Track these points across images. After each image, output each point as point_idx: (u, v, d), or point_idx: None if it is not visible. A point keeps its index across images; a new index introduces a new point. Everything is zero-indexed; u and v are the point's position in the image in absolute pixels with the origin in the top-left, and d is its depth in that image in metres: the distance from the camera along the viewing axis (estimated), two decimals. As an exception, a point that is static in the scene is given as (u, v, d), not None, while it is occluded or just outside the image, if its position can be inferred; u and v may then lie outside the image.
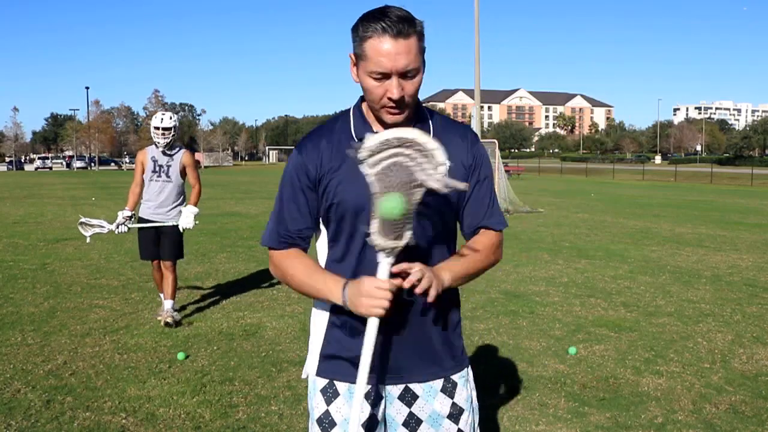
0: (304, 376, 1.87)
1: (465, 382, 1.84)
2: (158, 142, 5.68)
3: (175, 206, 5.85)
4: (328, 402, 1.76)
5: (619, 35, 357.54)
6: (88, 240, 6.02)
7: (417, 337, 1.75)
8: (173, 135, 5.70)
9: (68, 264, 8.74)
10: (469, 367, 1.88)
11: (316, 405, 1.78)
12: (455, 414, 1.81)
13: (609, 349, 5.03)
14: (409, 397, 1.78)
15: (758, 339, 5.35)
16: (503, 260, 9.05)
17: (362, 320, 1.62)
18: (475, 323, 5.72)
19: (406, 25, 1.56)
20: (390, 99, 1.61)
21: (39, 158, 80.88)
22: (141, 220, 5.96)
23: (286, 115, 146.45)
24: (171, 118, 5.73)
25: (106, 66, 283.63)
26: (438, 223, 1.73)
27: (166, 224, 5.80)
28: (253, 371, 4.49)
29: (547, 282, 7.61)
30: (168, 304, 5.72)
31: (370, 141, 1.51)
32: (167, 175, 5.77)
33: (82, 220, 6.10)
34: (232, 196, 23.36)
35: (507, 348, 5.05)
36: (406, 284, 1.54)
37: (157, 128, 5.67)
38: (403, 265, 1.55)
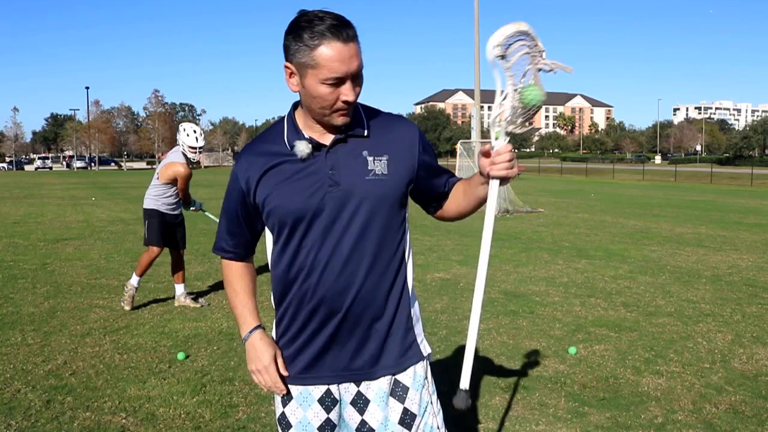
0: None
1: (418, 384, 1.80)
2: (192, 157, 6.31)
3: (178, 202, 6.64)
4: (284, 404, 1.82)
5: (619, 35, 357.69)
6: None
7: (358, 334, 1.75)
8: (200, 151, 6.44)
9: (68, 264, 8.74)
10: (426, 363, 1.83)
11: (276, 407, 1.87)
12: (407, 420, 1.78)
13: (609, 349, 5.03)
14: (361, 404, 1.78)
15: (758, 339, 5.35)
16: (503, 260, 9.09)
17: (302, 320, 1.76)
18: (475, 323, 5.71)
19: (351, 29, 1.58)
20: (345, 102, 1.61)
21: (39, 158, 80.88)
22: (166, 215, 6.37)
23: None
24: (203, 137, 6.42)
25: (106, 66, 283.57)
26: (380, 219, 1.72)
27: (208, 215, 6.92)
28: (253, 371, 4.49)
29: (547, 282, 7.61)
30: (181, 288, 6.43)
31: (498, 37, 1.57)
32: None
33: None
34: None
35: (507, 348, 5.05)
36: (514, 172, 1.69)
37: (193, 148, 6.25)
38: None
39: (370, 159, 1.70)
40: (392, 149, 1.74)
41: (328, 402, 1.77)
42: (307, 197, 1.67)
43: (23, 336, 5.29)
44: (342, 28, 1.55)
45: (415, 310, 1.84)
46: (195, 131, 6.28)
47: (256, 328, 1.80)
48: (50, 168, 72.56)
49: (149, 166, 74.94)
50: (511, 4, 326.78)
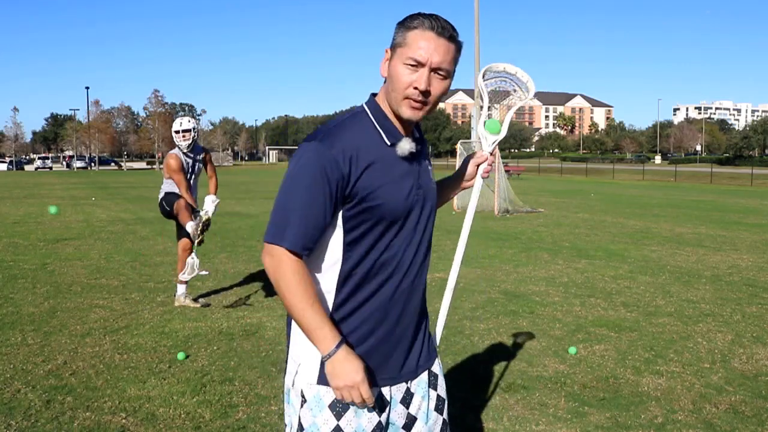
0: (290, 384, 1.77)
1: (440, 371, 1.93)
2: (180, 144, 6.15)
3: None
4: (339, 416, 1.69)
5: (620, 35, 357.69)
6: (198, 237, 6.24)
7: (411, 334, 1.79)
8: (193, 137, 6.19)
9: (68, 264, 8.74)
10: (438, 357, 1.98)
11: (324, 422, 1.69)
12: (440, 406, 1.88)
13: (609, 349, 5.03)
14: (408, 399, 1.79)
15: (758, 339, 5.35)
16: (503, 260, 9.09)
17: (375, 319, 1.72)
18: (475, 323, 5.72)
19: (450, 30, 1.66)
20: (416, 89, 1.64)
21: (39, 158, 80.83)
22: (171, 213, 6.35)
23: (286, 115, 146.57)
24: (189, 121, 6.22)
25: (106, 66, 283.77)
26: (432, 225, 1.86)
27: (209, 214, 6.32)
28: (253, 371, 4.49)
29: (547, 282, 7.61)
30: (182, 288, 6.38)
31: (498, 67, 2.02)
32: (195, 174, 6.40)
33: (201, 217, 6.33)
34: (232, 196, 23.32)
35: (507, 348, 5.05)
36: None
37: (177, 132, 6.15)
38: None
39: (429, 166, 1.86)
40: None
41: (380, 404, 1.73)
42: (404, 197, 1.70)
43: (23, 336, 5.29)
44: (442, 26, 1.65)
45: None
46: (181, 119, 6.23)
47: (342, 342, 1.64)
48: (50, 168, 72.52)
49: (149, 166, 74.95)
50: (511, 4, 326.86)
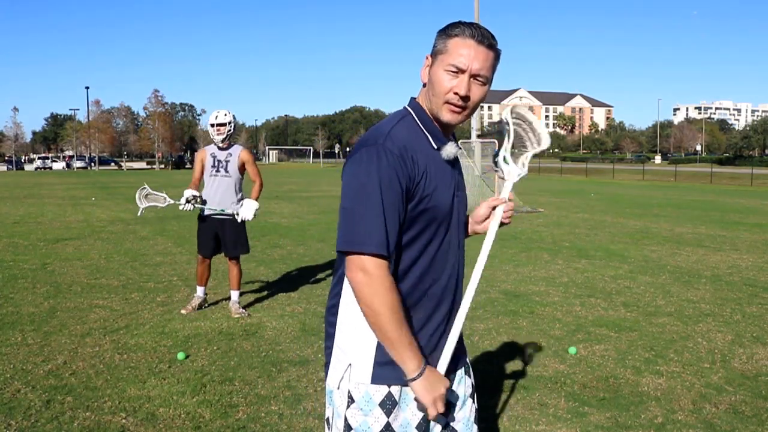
0: (335, 385, 1.77)
1: (467, 358, 2.01)
2: (215, 138, 5.94)
3: (235, 203, 6.07)
4: (388, 414, 1.72)
5: (619, 35, 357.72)
6: (140, 213, 6.17)
7: (452, 327, 1.84)
8: (228, 131, 5.94)
9: (68, 264, 8.74)
10: None
11: (375, 420, 1.71)
12: (472, 393, 1.95)
13: (609, 349, 5.03)
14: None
15: (758, 339, 5.35)
16: (503, 260, 9.09)
17: (428, 316, 1.77)
18: (475, 323, 5.72)
19: (490, 38, 1.72)
20: (456, 94, 1.70)
21: (39, 158, 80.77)
22: (202, 217, 6.13)
23: (286, 115, 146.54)
24: (225, 114, 5.95)
25: (106, 66, 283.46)
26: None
27: (225, 212, 5.99)
28: (253, 371, 4.49)
29: (547, 282, 7.61)
30: (235, 295, 6.12)
31: (521, 109, 1.94)
32: (226, 170, 6.00)
33: (145, 187, 6.21)
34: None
35: (507, 348, 5.05)
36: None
37: (212, 125, 5.93)
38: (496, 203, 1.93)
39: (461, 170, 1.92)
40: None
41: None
42: (450, 199, 1.79)
43: (23, 336, 5.29)
44: (481, 32, 1.71)
45: None
46: (217, 112, 5.97)
47: (427, 361, 1.71)
48: (50, 168, 72.49)
49: (149, 166, 74.94)
50: (511, 4, 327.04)
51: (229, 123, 5.94)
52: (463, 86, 1.70)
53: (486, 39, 1.71)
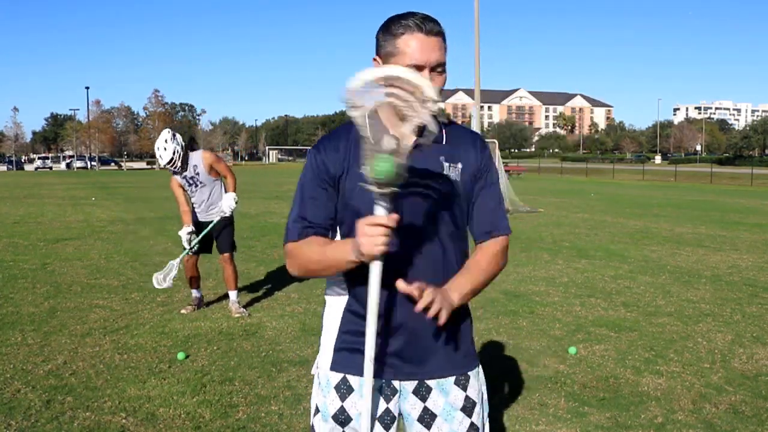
0: (313, 372, 1.89)
1: (477, 376, 1.89)
2: (171, 170, 5.92)
3: (218, 201, 6.11)
4: (343, 398, 1.78)
5: (619, 35, 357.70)
6: (170, 282, 6.09)
7: (431, 335, 1.77)
8: (179, 157, 5.80)
9: (68, 264, 8.74)
10: (480, 366, 1.93)
11: (331, 401, 1.79)
12: (468, 407, 1.83)
13: (609, 349, 5.04)
14: (423, 392, 1.80)
15: (758, 339, 5.35)
16: (503, 260, 9.09)
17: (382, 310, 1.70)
18: (475, 323, 5.70)
19: (434, 24, 1.69)
20: None
21: (39, 158, 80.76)
22: (196, 223, 6.15)
23: (286, 115, 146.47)
24: (165, 149, 5.73)
25: (106, 66, 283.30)
26: (449, 224, 1.77)
27: (215, 221, 6.05)
28: (253, 371, 4.49)
29: (547, 282, 7.61)
30: (233, 295, 6.14)
31: (356, 81, 1.39)
32: (201, 182, 6.02)
33: (156, 276, 6.12)
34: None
35: (507, 348, 5.05)
36: (419, 307, 1.57)
37: (162, 168, 5.93)
38: (414, 289, 1.57)
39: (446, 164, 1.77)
40: (462, 164, 1.79)
41: (388, 392, 1.80)
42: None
43: (23, 336, 5.29)
44: (426, 23, 1.67)
45: None
46: (158, 149, 5.80)
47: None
48: (50, 168, 72.46)
49: (149, 166, 74.91)
50: (511, 4, 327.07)
51: (175, 152, 5.74)
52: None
53: (433, 27, 1.68)
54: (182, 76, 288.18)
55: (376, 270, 1.55)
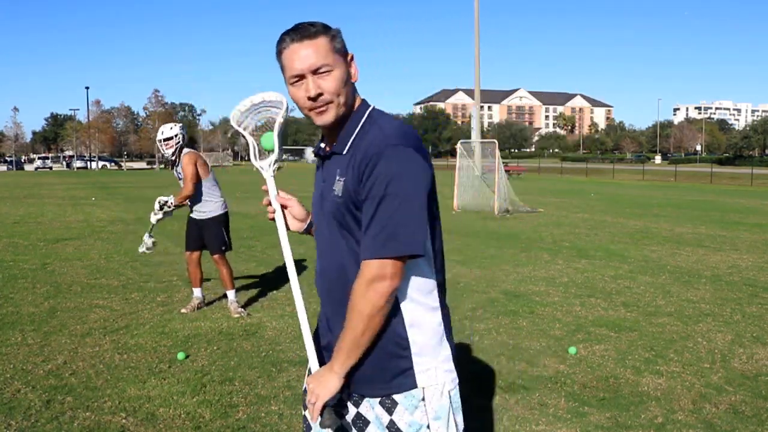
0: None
1: (411, 405, 1.70)
2: (165, 153, 6.00)
3: (207, 201, 6.09)
4: (305, 407, 1.88)
5: (619, 35, 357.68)
6: (149, 245, 6.14)
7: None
8: (177, 143, 5.94)
9: (68, 264, 8.74)
10: (423, 392, 1.71)
11: (302, 414, 1.98)
12: (356, 421, 1.78)
13: (609, 349, 5.03)
14: (356, 398, 1.79)
15: (758, 339, 5.35)
16: (503, 260, 9.09)
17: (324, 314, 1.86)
18: (475, 323, 5.72)
19: (309, 29, 1.67)
20: (309, 99, 1.68)
21: (39, 158, 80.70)
22: (190, 216, 6.22)
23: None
24: (171, 128, 5.99)
25: (106, 66, 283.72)
26: (348, 238, 1.71)
27: (154, 223, 6.09)
28: (253, 371, 4.49)
29: (547, 282, 7.61)
30: (231, 294, 6.13)
31: (244, 105, 1.92)
32: (180, 179, 6.10)
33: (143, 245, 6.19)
34: (232, 196, 23.35)
35: (507, 348, 5.05)
36: (313, 419, 1.72)
37: (159, 141, 5.99)
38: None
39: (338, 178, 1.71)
40: (341, 172, 1.70)
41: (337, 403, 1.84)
42: (317, 197, 1.86)
43: (23, 336, 5.29)
44: (297, 31, 1.67)
45: None
46: (163, 127, 5.99)
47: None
48: (50, 168, 72.42)
49: (149, 166, 74.90)
50: (511, 4, 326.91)
51: (176, 136, 5.91)
52: (311, 88, 1.67)
53: (302, 34, 1.66)
54: (182, 76, 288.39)
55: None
